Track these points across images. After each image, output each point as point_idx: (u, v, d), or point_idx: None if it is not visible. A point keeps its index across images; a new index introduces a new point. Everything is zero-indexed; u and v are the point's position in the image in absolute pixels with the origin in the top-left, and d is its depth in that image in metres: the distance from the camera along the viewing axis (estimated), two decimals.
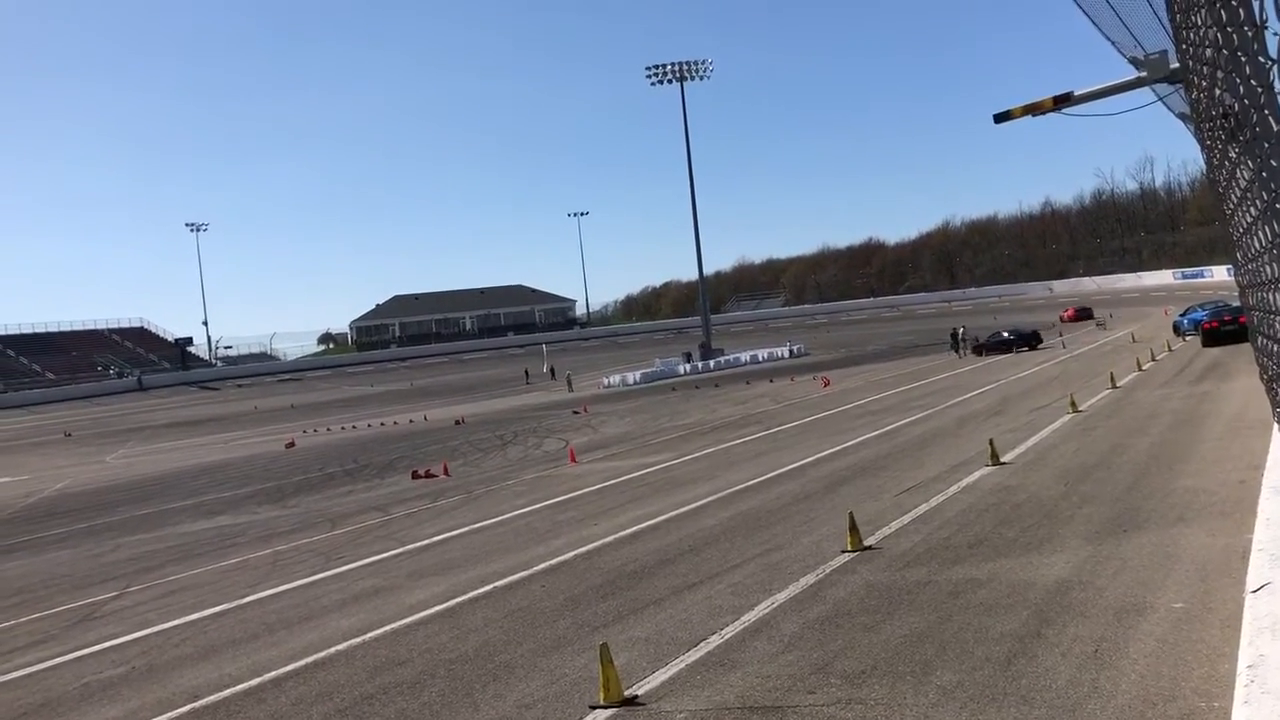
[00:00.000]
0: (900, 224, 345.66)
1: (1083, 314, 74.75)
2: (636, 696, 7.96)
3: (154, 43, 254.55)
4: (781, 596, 10.46)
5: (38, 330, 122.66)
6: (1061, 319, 73.05)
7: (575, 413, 44.51)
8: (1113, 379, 28.57)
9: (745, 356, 74.71)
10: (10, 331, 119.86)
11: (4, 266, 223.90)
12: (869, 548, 12.17)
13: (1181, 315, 47.16)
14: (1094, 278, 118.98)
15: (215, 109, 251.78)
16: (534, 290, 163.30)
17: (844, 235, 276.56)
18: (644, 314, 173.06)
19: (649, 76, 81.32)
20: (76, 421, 76.94)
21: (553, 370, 67.72)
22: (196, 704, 9.28)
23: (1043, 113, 9.84)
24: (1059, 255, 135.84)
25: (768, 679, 8.00)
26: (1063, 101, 9.72)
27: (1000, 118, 10.16)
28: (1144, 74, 8.84)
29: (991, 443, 18.08)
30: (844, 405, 33.86)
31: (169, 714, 9.08)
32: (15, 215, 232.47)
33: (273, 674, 9.99)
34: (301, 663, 10.28)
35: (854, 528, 12.38)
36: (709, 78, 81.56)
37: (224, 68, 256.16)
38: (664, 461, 24.62)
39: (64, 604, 15.66)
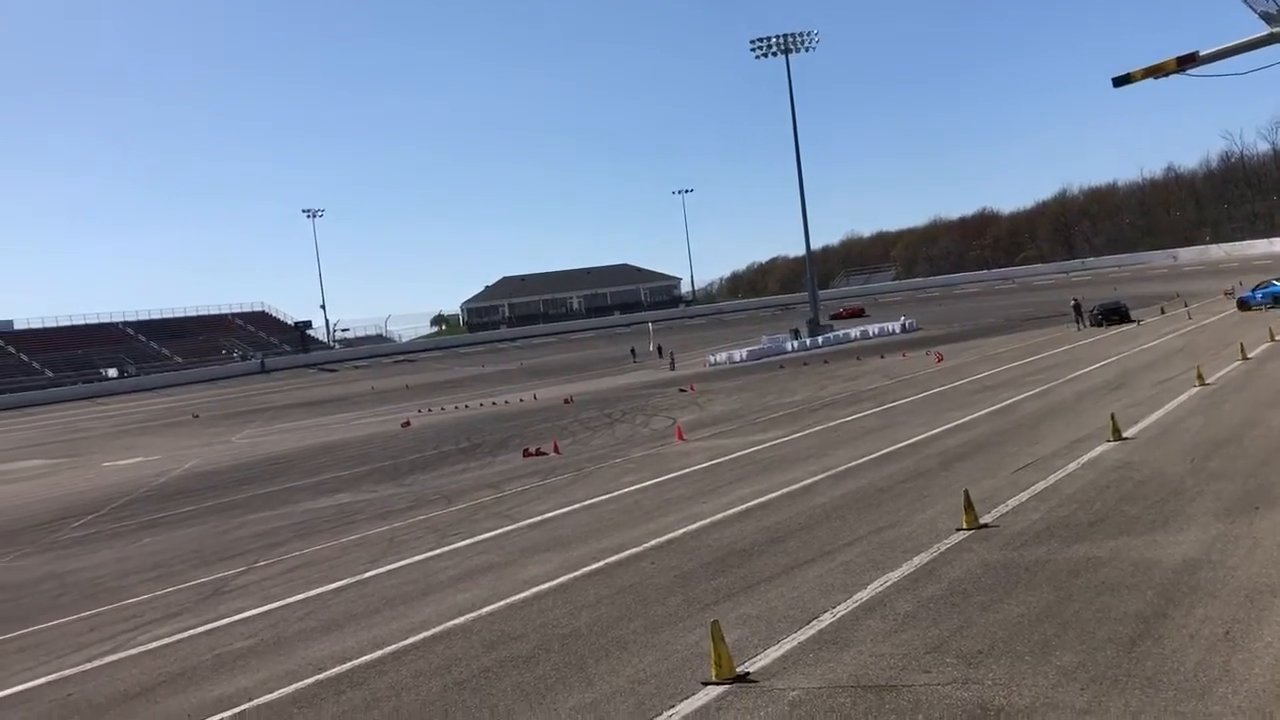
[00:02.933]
0: (1015, 193, 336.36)
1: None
2: (748, 673, 7.97)
3: (272, 35, 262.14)
4: (895, 575, 10.33)
5: (166, 316, 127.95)
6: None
7: (682, 391, 44.55)
8: (1243, 350, 27.37)
9: (855, 332, 73.72)
10: (141, 318, 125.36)
11: (136, 256, 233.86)
12: (985, 526, 11.93)
13: (1254, 290, 47.59)
14: (1222, 245, 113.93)
15: (331, 99, 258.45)
16: (639, 269, 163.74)
17: (956, 206, 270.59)
18: (750, 291, 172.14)
19: (754, 50, 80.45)
20: (203, 403, 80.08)
21: (659, 349, 67.81)
22: (321, 675, 9.60)
23: (1165, 74, 9.46)
24: (1183, 222, 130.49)
25: (881, 657, 7.93)
26: (1187, 62, 9.31)
27: (1120, 81, 9.79)
28: (1278, 29, 8.41)
29: (1113, 417, 17.52)
30: (958, 381, 33.17)
31: (296, 685, 9.42)
32: (145, 207, 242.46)
33: (393, 647, 10.28)
34: (420, 636, 10.56)
35: (969, 505, 12.14)
36: (815, 49, 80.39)
37: (338, 59, 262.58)
38: (772, 439, 24.49)
39: (196, 578, 16.35)
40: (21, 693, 10.60)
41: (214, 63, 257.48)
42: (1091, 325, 52.18)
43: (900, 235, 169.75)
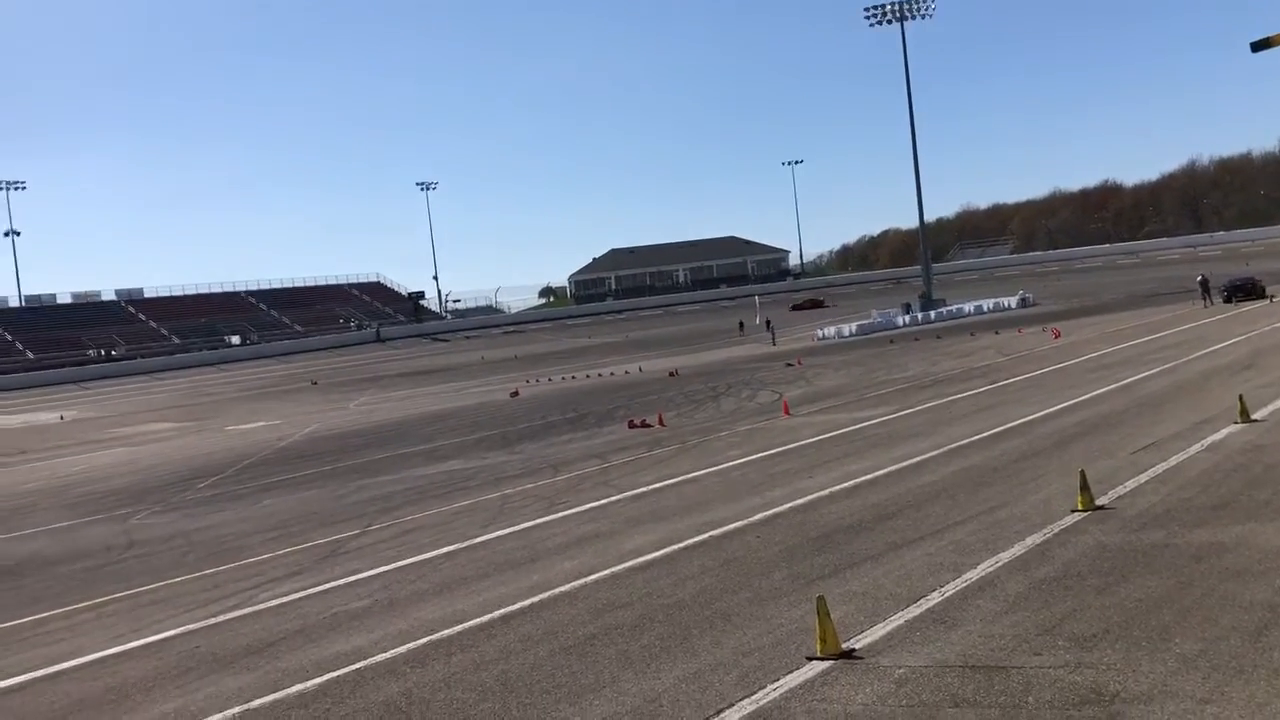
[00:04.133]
0: (1139, 164, 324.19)
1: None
2: (854, 650, 7.93)
3: (388, 8, 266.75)
4: (1006, 556, 10.13)
5: (287, 286, 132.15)
6: None
7: (789, 365, 44.22)
8: None
9: (969, 307, 72.03)
10: (264, 287, 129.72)
11: (259, 228, 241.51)
12: (1101, 507, 11.60)
13: None
14: None
15: (448, 73, 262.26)
16: (747, 242, 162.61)
17: (1077, 177, 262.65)
18: (860, 264, 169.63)
19: (868, 18, 78.90)
20: (321, 370, 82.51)
21: (767, 323, 67.48)
22: (433, 637, 9.87)
23: None
24: None
25: (991, 639, 7.79)
26: None
27: (1258, 46, 9.34)
28: None
29: (1241, 398, 16.81)
30: (1076, 358, 32.20)
31: (409, 645, 9.71)
32: (266, 180, 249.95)
33: (502, 611, 10.50)
34: (528, 601, 10.76)
35: (1085, 486, 11.82)
36: (931, 16, 78.43)
37: (450, 36, 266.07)
38: (881, 415, 24.17)
39: (314, 539, 16.92)
40: (154, 643, 11.15)
41: (334, 39, 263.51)
42: (1221, 302, 50.04)
43: (1018, 208, 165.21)
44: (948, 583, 9.42)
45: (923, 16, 78.12)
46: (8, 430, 59.87)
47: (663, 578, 11.15)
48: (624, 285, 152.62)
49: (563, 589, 11.12)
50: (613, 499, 17.05)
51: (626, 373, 51.99)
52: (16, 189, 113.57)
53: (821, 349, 55.19)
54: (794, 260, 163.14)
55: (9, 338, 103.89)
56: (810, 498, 14.76)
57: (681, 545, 12.61)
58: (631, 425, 28.74)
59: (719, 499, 15.72)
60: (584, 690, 7.92)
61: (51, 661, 10.86)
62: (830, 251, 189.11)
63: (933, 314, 70.12)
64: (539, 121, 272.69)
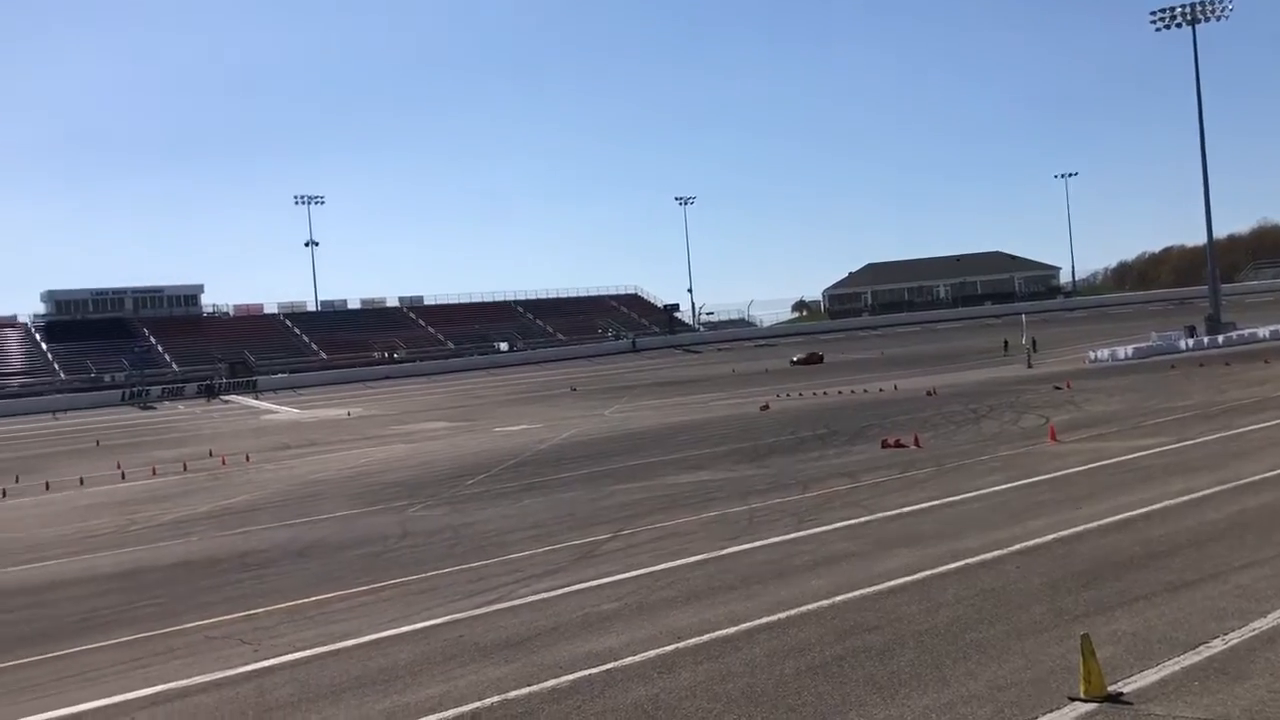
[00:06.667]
0: None
1: None
2: (1121, 694, 7.45)
3: (644, 25, 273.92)
4: None
5: (551, 296, 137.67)
6: None
7: (1057, 388, 41.95)
8: None
9: (1264, 332, 65.88)
10: (529, 297, 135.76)
11: (529, 241, 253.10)
12: None
13: None
14: None
15: (699, 89, 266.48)
16: (1014, 257, 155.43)
17: None
18: (1139, 283, 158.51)
19: (1154, 21, 73.89)
20: (580, 378, 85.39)
21: (1034, 342, 64.22)
22: (681, 644, 10.02)
23: None
24: None
25: None
26: None
27: None
28: None
29: None
30: None
31: (658, 650, 9.90)
32: (535, 195, 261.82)
33: (748, 625, 10.53)
34: (774, 617, 10.74)
35: None
36: (1226, 18, 72.47)
37: (705, 52, 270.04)
38: (1159, 445, 22.53)
39: (569, 540, 17.56)
40: (422, 629, 11.91)
41: (596, 60, 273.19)
42: None
43: None
44: (1232, 630, 8.69)
45: (1216, 18, 72.35)
46: (302, 424, 65.53)
47: (914, 603, 10.86)
48: (880, 300, 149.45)
49: (810, 607, 11.03)
50: (863, 519, 16.74)
51: (881, 390, 50.91)
52: (316, 203, 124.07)
53: (1093, 372, 52.03)
54: (1065, 277, 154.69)
55: (306, 339, 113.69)
56: (1076, 529, 13.96)
57: (935, 571, 12.23)
58: (885, 445, 28.12)
59: (976, 526, 15.13)
60: (829, 711, 7.83)
61: (333, 639, 11.79)
62: (1105, 269, 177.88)
63: (1220, 338, 64.68)
64: (796, 136, 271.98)
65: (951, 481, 20.25)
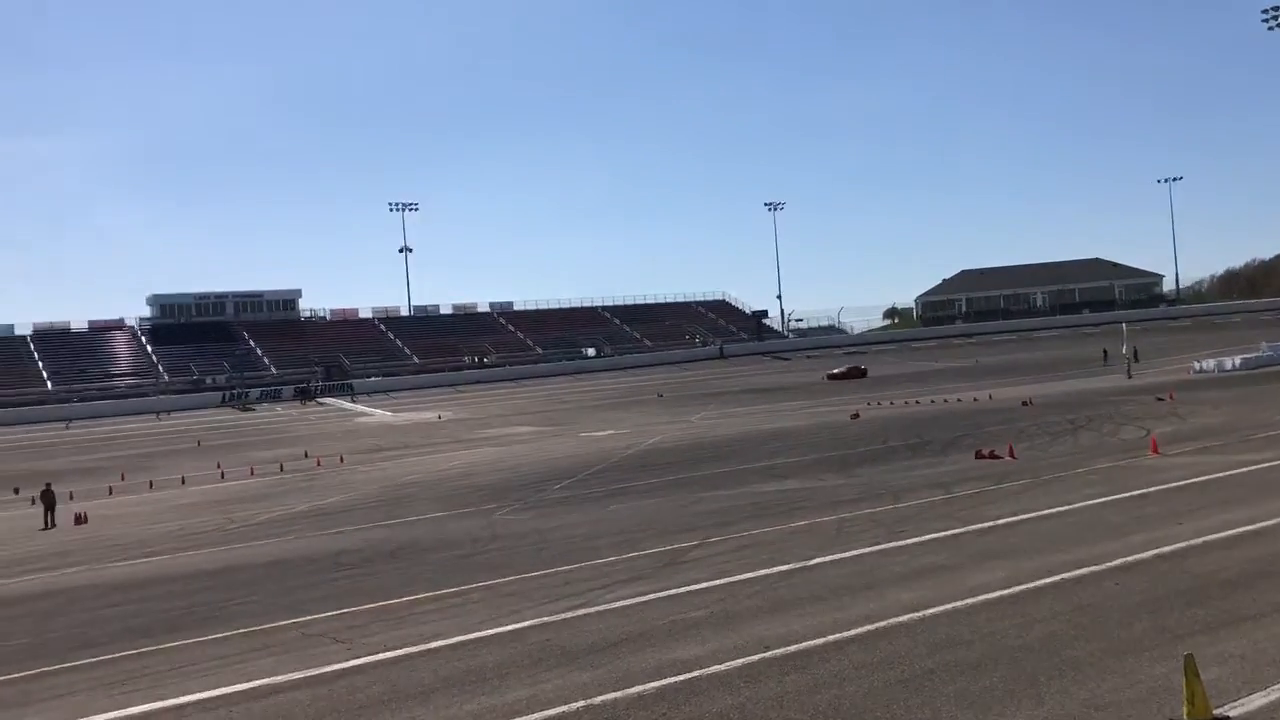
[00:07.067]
0: None
1: None
2: (1228, 718, 7.16)
3: (738, 40, 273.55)
4: None
5: (638, 302, 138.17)
6: None
7: (1159, 399, 40.64)
8: None
9: None
10: (617, 303, 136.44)
11: (614, 249, 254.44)
12: None
13: None
14: None
15: (790, 94, 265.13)
16: (1114, 264, 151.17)
17: None
18: (1247, 291, 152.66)
19: (1266, 20, 71.51)
20: (667, 384, 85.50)
21: (1135, 352, 62.31)
22: (767, 654, 9.94)
23: None
24: None
25: None
26: None
27: None
28: None
29: None
30: None
31: (744, 660, 9.83)
32: (623, 201, 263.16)
33: (836, 636, 10.40)
34: (863, 629, 10.59)
35: None
36: None
37: (794, 56, 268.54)
38: (1268, 460, 21.67)
39: (655, 547, 17.54)
40: (509, 632, 12.01)
41: (688, 68, 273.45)
42: None
43: None
44: None
45: None
46: (394, 426, 66.77)
47: (1007, 618, 10.61)
48: (975, 308, 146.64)
49: (900, 620, 10.84)
50: (956, 531, 16.42)
51: (975, 399, 49.97)
52: (410, 210, 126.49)
53: (1198, 383, 50.31)
54: (1168, 285, 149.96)
55: (399, 343, 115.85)
56: (1178, 546, 13.50)
57: (1029, 586, 11.93)
58: (979, 455, 27.56)
59: (1072, 540, 14.73)
60: None
61: (423, 640, 11.97)
62: (1211, 276, 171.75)
63: None
64: (887, 140, 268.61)
65: (1047, 494, 19.75)
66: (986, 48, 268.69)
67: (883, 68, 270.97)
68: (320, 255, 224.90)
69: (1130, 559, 12.95)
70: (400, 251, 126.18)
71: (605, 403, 72.89)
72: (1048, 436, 31.46)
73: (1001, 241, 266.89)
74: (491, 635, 11.91)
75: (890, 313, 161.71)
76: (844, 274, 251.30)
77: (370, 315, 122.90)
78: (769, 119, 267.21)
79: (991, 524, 16.77)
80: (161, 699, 10.41)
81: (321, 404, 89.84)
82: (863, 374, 79.63)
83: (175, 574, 20.44)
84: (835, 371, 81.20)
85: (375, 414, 77.78)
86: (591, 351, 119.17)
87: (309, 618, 14.17)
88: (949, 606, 11.25)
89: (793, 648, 10.10)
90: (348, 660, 11.31)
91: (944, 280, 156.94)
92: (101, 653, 13.35)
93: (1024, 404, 44.14)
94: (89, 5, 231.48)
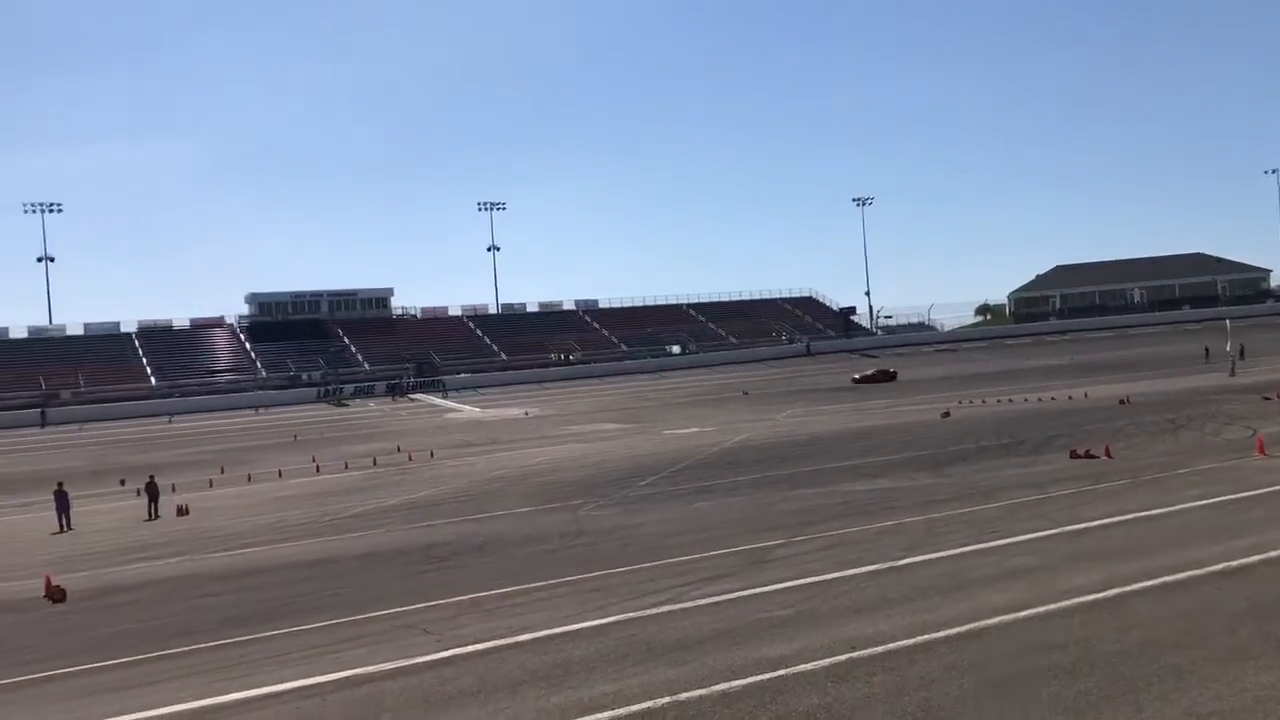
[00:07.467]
0: None
1: None
2: None
3: (825, 29, 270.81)
4: None
5: (723, 299, 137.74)
6: None
7: (1265, 399, 39.16)
8: None
9: None
10: (702, 300, 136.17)
11: (699, 245, 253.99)
12: None
13: None
14: None
15: (876, 86, 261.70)
16: (1217, 259, 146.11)
17: None
18: None
19: None
20: (752, 381, 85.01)
21: (1240, 349, 60.16)
22: (855, 654, 9.84)
23: None
24: None
25: None
26: None
27: None
28: None
29: None
30: None
31: (830, 659, 9.75)
32: (706, 197, 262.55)
33: (925, 637, 10.25)
34: (953, 631, 10.41)
35: None
36: None
37: (881, 48, 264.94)
38: None
39: (741, 545, 17.47)
40: (595, 627, 12.08)
41: (771, 60, 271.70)
42: None
43: None
44: None
45: None
46: (482, 422, 67.66)
47: (1104, 622, 10.33)
48: (1070, 304, 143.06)
49: (991, 622, 10.64)
50: (1049, 532, 16.04)
51: (1070, 398, 48.77)
52: (498, 209, 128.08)
53: None
54: (1276, 280, 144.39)
55: (487, 341, 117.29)
56: None
57: (1127, 589, 11.61)
58: (1074, 455, 26.90)
59: (1173, 543, 14.28)
60: None
61: (511, 633, 12.11)
62: None
63: None
64: (977, 132, 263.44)
65: (1146, 495, 19.18)
66: (1080, 39, 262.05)
67: (975, 58, 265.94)
68: (411, 254, 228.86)
69: (1234, 563, 12.51)
70: (488, 250, 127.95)
71: (690, 400, 72.83)
72: (1146, 436, 30.57)
73: (1098, 236, 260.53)
74: (578, 630, 11.99)
75: (982, 309, 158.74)
76: (935, 270, 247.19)
77: (459, 313, 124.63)
78: (857, 111, 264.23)
79: (1087, 525, 16.35)
80: (258, 686, 10.71)
81: (413, 400, 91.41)
82: (892, 377, 76.70)
83: (272, 565, 21.00)
84: (861, 375, 77.65)
85: (464, 410, 78.89)
86: (676, 349, 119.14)
87: (400, 609, 14.45)
88: (1042, 609, 11.00)
89: (880, 648, 9.99)
90: (438, 651, 11.50)
91: (1038, 276, 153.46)
92: (201, 640, 13.78)
93: (1121, 402, 42.96)
94: (190, 14, 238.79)
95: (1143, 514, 17.03)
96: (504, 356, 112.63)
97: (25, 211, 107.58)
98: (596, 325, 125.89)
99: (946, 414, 45.13)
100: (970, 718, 7.85)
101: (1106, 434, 30.93)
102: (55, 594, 18.76)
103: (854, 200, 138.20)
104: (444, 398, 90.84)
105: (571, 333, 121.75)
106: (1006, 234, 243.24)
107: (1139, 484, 20.91)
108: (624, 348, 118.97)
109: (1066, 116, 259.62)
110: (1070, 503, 19.13)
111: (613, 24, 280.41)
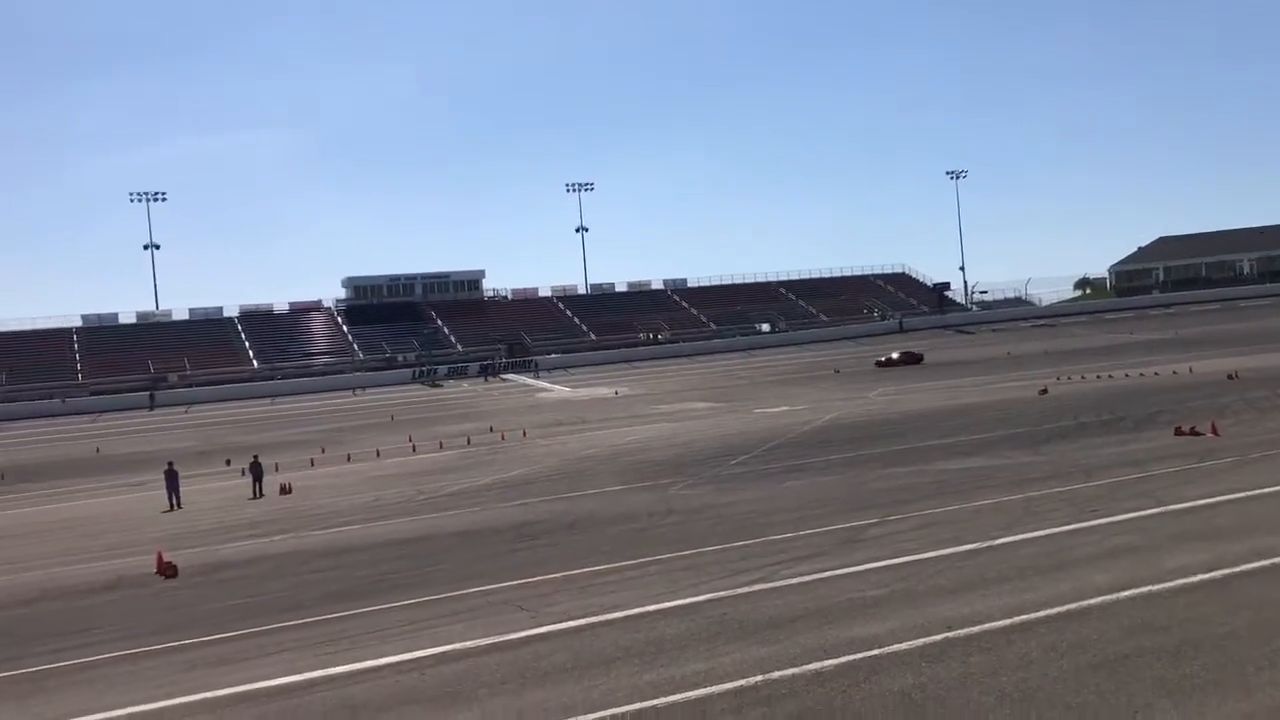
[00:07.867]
0: None
1: None
2: None
3: (913, 5, 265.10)
4: None
5: (814, 276, 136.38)
6: None
7: None
8: None
9: None
10: (792, 277, 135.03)
11: (792, 220, 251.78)
12: None
13: None
14: None
15: (970, 58, 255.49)
16: None
17: None
18: None
19: None
20: (844, 359, 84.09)
21: None
22: (950, 634, 9.72)
23: None
24: None
25: None
26: None
27: None
28: None
29: None
30: None
31: (925, 639, 9.65)
32: (800, 174, 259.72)
33: (1023, 617, 10.08)
34: (1052, 611, 10.22)
35: None
36: None
37: (977, 18, 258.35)
38: None
39: (833, 524, 17.37)
40: (686, 605, 12.14)
41: (871, 34, 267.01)
42: None
43: None
44: None
45: None
46: (573, 401, 68.20)
47: (1210, 603, 10.04)
48: (1174, 277, 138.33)
49: (1092, 602, 10.42)
50: (1152, 511, 15.61)
51: (1174, 373, 47.27)
52: (586, 190, 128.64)
53: None
54: None
55: (577, 321, 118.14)
56: None
57: (1235, 570, 11.25)
58: (1179, 432, 26.10)
59: None
60: (1113, 712, 7.39)
61: (603, 610, 12.23)
62: None
63: None
64: (1075, 102, 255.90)
65: (1255, 474, 18.53)
66: (1154, 11, 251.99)
67: (1071, 22, 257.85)
68: (502, 237, 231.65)
69: None
70: (577, 231, 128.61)
71: (780, 378, 72.34)
72: (1256, 413, 29.50)
73: (1203, 206, 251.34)
74: (670, 608, 12.06)
75: (1082, 283, 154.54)
76: (1032, 244, 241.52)
77: (549, 294, 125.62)
78: (951, 83, 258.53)
79: (1191, 504, 15.87)
80: (361, 660, 11.01)
81: (505, 380, 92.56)
82: (918, 359, 74.80)
83: (370, 542, 21.52)
84: (886, 358, 75.42)
85: (555, 390, 79.61)
86: (766, 327, 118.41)
87: (495, 585, 14.69)
88: (1145, 589, 10.73)
89: (977, 628, 9.85)
90: (532, 628, 11.68)
91: (1140, 248, 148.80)
92: (307, 615, 14.20)
93: (1229, 378, 41.51)
94: (288, 13, 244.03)
95: (1251, 493, 16.47)
96: (593, 336, 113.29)
97: (132, 200, 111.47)
98: (685, 304, 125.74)
99: (1044, 390, 44.12)
100: (1069, 699, 7.70)
101: (1213, 410, 29.93)
102: (167, 570, 19.49)
103: (948, 173, 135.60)
104: (535, 378, 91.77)
105: (660, 312, 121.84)
106: (1107, 206, 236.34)
107: (1247, 462, 20.21)
108: (713, 326, 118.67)
109: (1168, 83, 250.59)
110: (1174, 481, 18.58)
111: (697, 4, 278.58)
